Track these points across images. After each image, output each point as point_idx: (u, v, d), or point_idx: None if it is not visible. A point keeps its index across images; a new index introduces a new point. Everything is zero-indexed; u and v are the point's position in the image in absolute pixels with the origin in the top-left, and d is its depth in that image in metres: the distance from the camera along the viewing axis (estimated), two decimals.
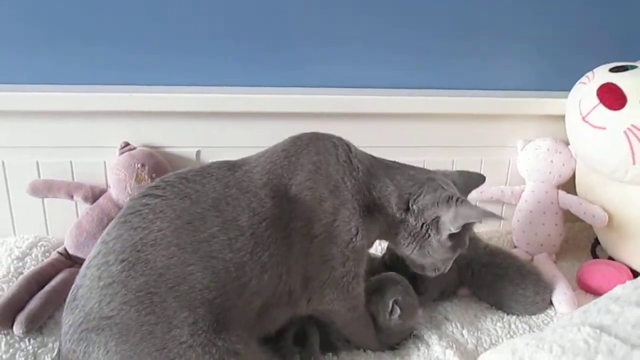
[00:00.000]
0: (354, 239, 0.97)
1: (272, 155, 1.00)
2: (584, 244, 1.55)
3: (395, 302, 1.05)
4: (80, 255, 1.27)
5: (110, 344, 0.84)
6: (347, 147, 1.03)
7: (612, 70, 1.35)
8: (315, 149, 1.00)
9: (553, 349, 0.63)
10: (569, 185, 1.50)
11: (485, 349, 1.09)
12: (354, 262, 0.99)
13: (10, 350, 1.02)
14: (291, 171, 0.97)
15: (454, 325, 1.16)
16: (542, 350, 0.64)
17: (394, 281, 1.10)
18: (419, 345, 1.10)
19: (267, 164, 0.98)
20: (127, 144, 1.35)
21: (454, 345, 1.07)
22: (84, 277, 0.89)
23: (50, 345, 1.05)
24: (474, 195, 1.50)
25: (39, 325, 1.08)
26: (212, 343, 0.86)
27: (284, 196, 0.95)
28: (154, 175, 1.31)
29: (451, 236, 1.01)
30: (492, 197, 1.53)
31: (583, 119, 1.33)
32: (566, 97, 1.44)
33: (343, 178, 0.98)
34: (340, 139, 1.04)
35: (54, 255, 1.28)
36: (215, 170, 0.97)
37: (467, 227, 1.03)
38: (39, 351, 1.03)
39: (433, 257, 1.05)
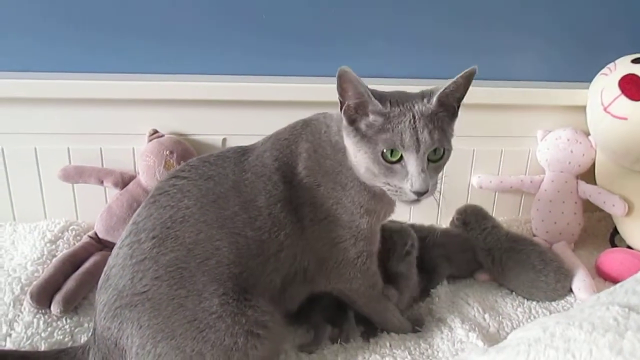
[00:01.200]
0: (355, 219, 1.00)
1: (277, 142, 1.03)
2: (602, 233, 1.57)
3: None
4: (110, 239, 1.31)
5: (142, 319, 0.88)
6: (327, 125, 1.03)
7: (634, 61, 1.36)
8: (306, 136, 1.03)
9: (583, 326, 0.65)
10: (588, 175, 1.51)
11: (508, 333, 1.11)
12: (364, 242, 1.02)
13: (49, 329, 1.06)
14: (293, 159, 1.01)
15: (475, 309, 1.18)
16: (573, 326, 0.66)
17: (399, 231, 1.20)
18: (442, 328, 1.12)
19: (274, 150, 1.02)
20: (155, 132, 1.39)
21: (477, 329, 1.10)
22: (117, 257, 0.93)
23: (85, 325, 1.09)
24: (494, 183, 1.53)
25: (74, 305, 1.13)
26: (242, 312, 0.89)
27: (292, 181, 1.00)
28: (181, 162, 1.33)
29: (355, 127, 0.92)
30: (511, 187, 1.55)
31: (605, 109, 1.35)
32: (586, 88, 1.46)
33: (327, 160, 1.00)
34: (319, 120, 1.05)
35: (85, 239, 1.31)
36: (232, 155, 1.02)
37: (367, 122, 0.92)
38: (75, 330, 1.08)
39: (360, 161, 0.93)
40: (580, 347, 0.62)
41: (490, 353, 0.72)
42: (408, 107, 0.90)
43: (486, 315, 1.16)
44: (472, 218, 1.37)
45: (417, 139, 0.88)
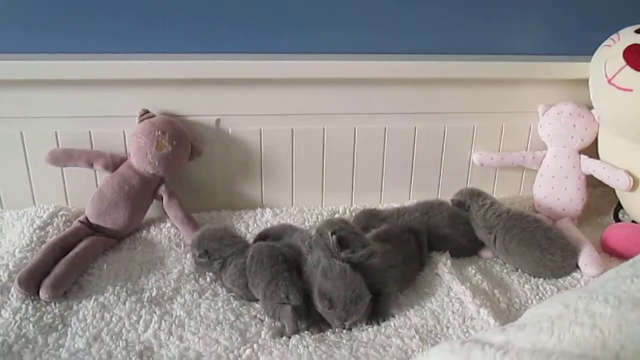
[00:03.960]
0: None
1: None
2: (605, 208, 1.54)
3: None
4: (101, 223, 1.26)
5: None
6: None
7: (638, 31, 1.33)
8: None
9: (609, 300, 0.62)
10: (591, 150, 1.48)
11: (517, 310, 1.08)
12: None
13: (37, 314, 1.02)
14: None
15: (484, 285, 1.15)
16: (597, 301, 0.63)
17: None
18: (453, 302, 1.09)
19: None
20: (146, 112, 1.33)
21: (488, 304, 1.06)
22: None
23: (75, 307, 1.06)
24: (495, 160, 1.50)
25: (63, 290, 1.08)
26: None
27: None
28: (174, 142, 1.29)
29: None
30: (513, 163, 1.51)
31: (609, 81, 1.31)
32: (587, 61, 1.42)
33: None
34: None
35: (75, 224, 1.27)
36: None
37: None
38: (65, 313, 1.04)
39: None
40: (608, 323, 0.58)
41: (509, 332, 0.68)
42: None
43: (495, 291, 1.13)
44: (467, 197, 1.32)
45: None
